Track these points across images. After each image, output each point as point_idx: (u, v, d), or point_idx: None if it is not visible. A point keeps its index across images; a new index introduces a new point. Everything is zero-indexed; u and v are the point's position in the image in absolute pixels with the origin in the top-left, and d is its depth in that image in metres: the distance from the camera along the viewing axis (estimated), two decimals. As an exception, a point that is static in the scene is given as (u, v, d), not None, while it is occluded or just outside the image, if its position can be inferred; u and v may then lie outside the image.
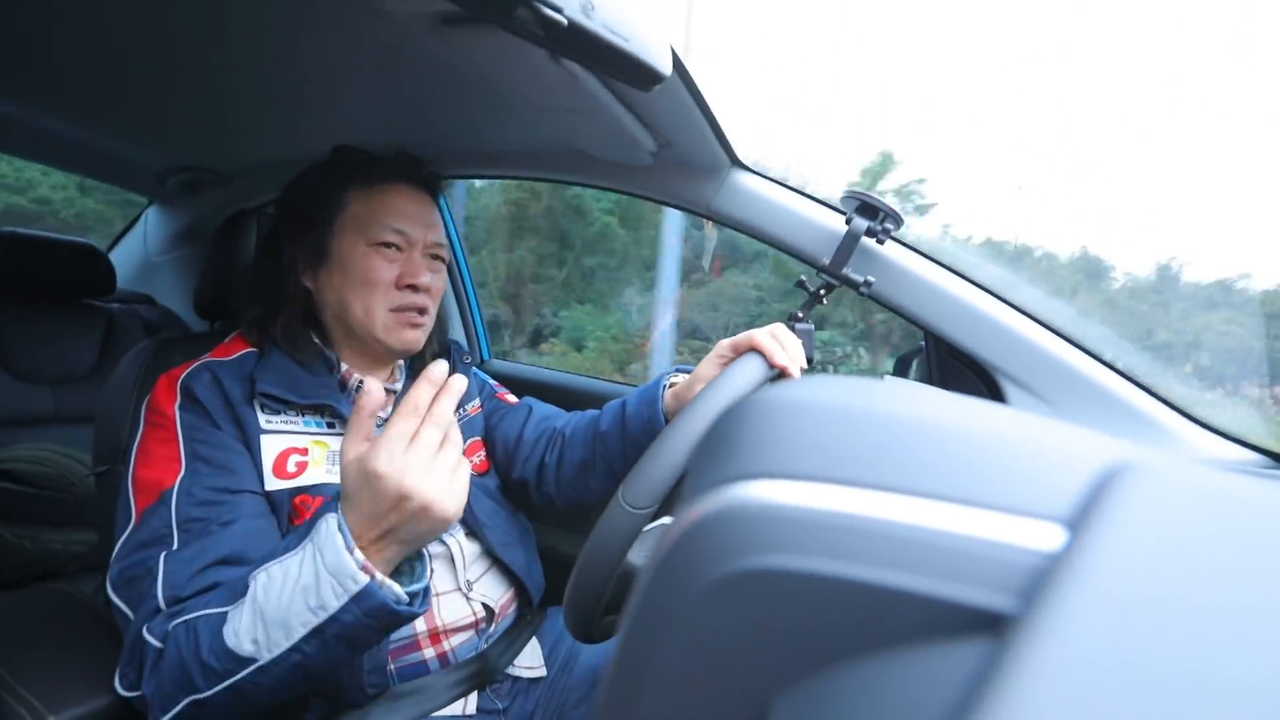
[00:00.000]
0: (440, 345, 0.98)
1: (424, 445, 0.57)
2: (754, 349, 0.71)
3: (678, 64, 0.74)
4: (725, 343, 0.79)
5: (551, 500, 0.97)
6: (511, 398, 1.06)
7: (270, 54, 0.89)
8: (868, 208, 0.91)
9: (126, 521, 0.70)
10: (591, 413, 0.97)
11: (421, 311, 0.84)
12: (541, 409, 1.03)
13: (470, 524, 0.88)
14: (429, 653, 0.80)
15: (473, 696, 0.81)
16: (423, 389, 0.59)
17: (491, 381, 1.08)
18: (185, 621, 0.61)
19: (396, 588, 0.59)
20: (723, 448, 0.23)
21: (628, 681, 0.24)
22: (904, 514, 0.19)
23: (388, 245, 0.82)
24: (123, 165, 1.45)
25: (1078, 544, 0.17)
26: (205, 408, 0.75)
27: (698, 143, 0.96)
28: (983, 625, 0.18)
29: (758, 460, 0.22)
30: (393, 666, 0.77)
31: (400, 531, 0.58)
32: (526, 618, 0.93)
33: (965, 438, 0.21)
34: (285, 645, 0.58)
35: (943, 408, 0.23)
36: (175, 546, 0.66)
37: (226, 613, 0.60)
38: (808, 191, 1.01)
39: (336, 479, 0.78)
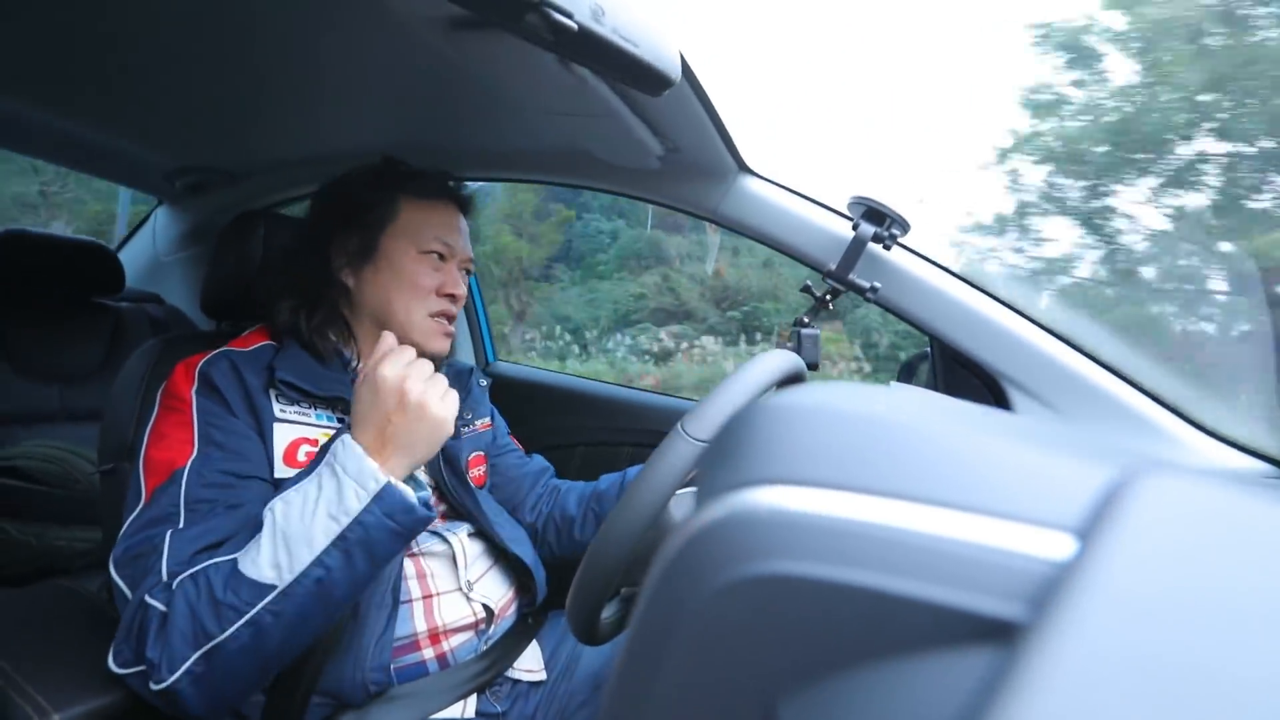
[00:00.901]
0: (457, 366, 1.04)
1: (422, 365, 0.69)
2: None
3: (687, 69, 0.74)
4: None
5: (551, 550, 1.04)
6: (519, 445, 1.13)
7: (280, 56, 0.89)
8: (874, 213, 0.91)
9: (137, 501, 0.71)
10: (586, 483, 1.06)
11: (451, 320, 0.90)
12: (550, 469, 1.12)
13: (480, 521, 0.89)
14: (428, 653, 0.80)
15: (472, 699, 0.81)
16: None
17: (505, 422, 1.14)
18: (191, 574, 0.62)
19: (409, 490, 0.65)
20: (732, 453, 0.23)
21: (634, 683, 0.24)
22: (913, 521, 0.19)
23: (435, 254, 0.88)
24: (132, 165, 1.46)
25: (1088, 553, 0.17)
26: (222, 394, 0.76)
27: (706, 147, 0.96)
28: (992, 633, 0.18)
29: (767, 466, 0.22)
30: (393, 666, 0.77)
31: (400, 436, 0.66)
32: (527, 619, 0.93)
33: (975, 446, 0.21)
34: (308, 560, 0.61)
35: (952, 415, 0.23)
36: (181, 525, 0.67)
37: (235, 557, 0.62)
38: (814, 197, 1.01)
39: None
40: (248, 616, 0.60)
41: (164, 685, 0.60)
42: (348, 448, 0.65)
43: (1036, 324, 0.92)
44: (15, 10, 0.80)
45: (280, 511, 0.63)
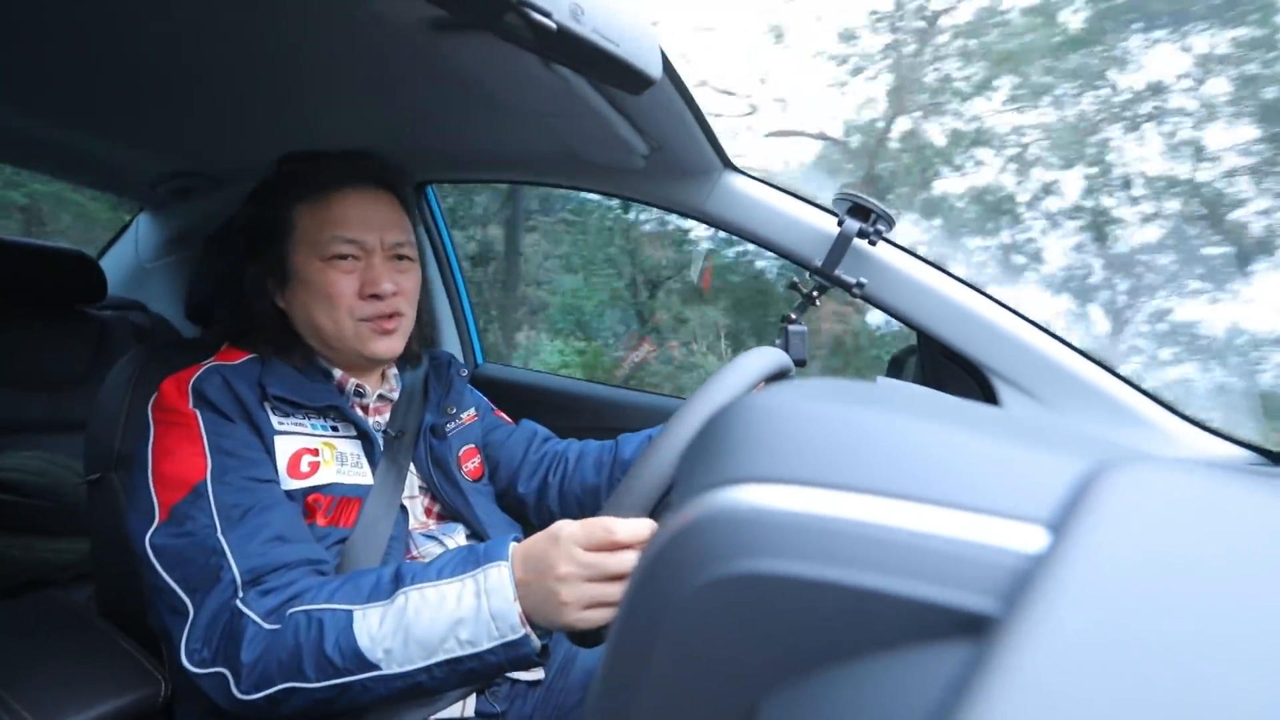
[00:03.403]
0: (438, 359, 1.00)
1: (612, 560, 0.59)
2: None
3: (668, 67, 0.74)
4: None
5: (552, 517, 1.00)
6: (507, 418, 1.09)
7: (262, 58, 0.88)
8: (860, 209, 0.91)
9: (149, 514, 0.70)
10: (600, 442, 1.01)
11: (392, 317, 0.83)
12: (542, 431, 1.07)
13: (472, 523, 0.89)
14: None
15: (471, 699, 0.81)
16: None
17: (488, 401, 1.10)
18: (307, 611, 0.63)
19: (536, 641, 0.61)
20: (711, 452, 0.23)
21: (618, 684, 0.24)
22: (888, 517, 0.19)
23: (342, 257, 0.81)
24: (113, 171, 1.44)
25: (1060, 546, 0.17)
26: (220, 408, 0.75)
27: (689, 145, 0.96)
28: (966, 627, 0.18)
29: (745, 464, 0.22)
30: None
31: (534, 586, 0.60)
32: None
33: (949, 440, 0.21)
34: (419, 664, 0.61)
35: (931, 410, 0.23)
36: (221, 530, 0.67)
37: (352, 612, 0.62)
38: (800, 193, 1.01)
39: (346, 479, 0.79)
40: (342, 681, 0.61)
41: (247, 699, 0.62)
42: (501, 582, 0.61)
43: (1021, 317, 0.92)
44: None
45: (414, 604, 0.62)
